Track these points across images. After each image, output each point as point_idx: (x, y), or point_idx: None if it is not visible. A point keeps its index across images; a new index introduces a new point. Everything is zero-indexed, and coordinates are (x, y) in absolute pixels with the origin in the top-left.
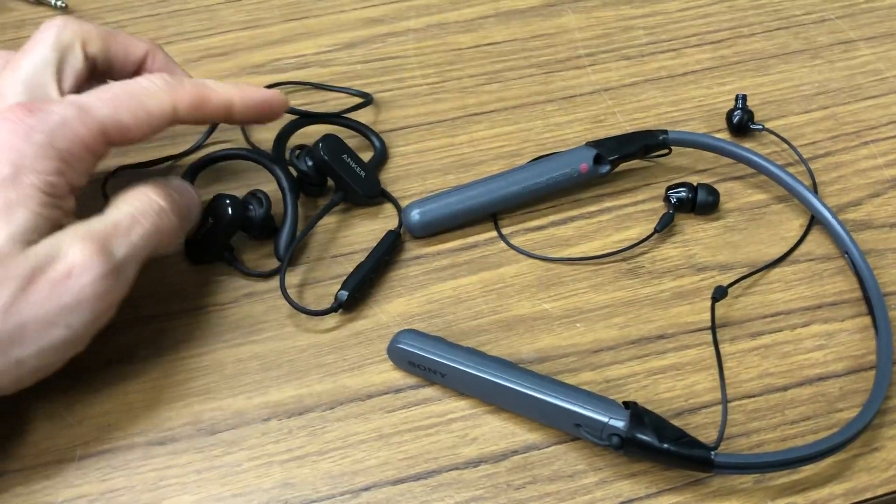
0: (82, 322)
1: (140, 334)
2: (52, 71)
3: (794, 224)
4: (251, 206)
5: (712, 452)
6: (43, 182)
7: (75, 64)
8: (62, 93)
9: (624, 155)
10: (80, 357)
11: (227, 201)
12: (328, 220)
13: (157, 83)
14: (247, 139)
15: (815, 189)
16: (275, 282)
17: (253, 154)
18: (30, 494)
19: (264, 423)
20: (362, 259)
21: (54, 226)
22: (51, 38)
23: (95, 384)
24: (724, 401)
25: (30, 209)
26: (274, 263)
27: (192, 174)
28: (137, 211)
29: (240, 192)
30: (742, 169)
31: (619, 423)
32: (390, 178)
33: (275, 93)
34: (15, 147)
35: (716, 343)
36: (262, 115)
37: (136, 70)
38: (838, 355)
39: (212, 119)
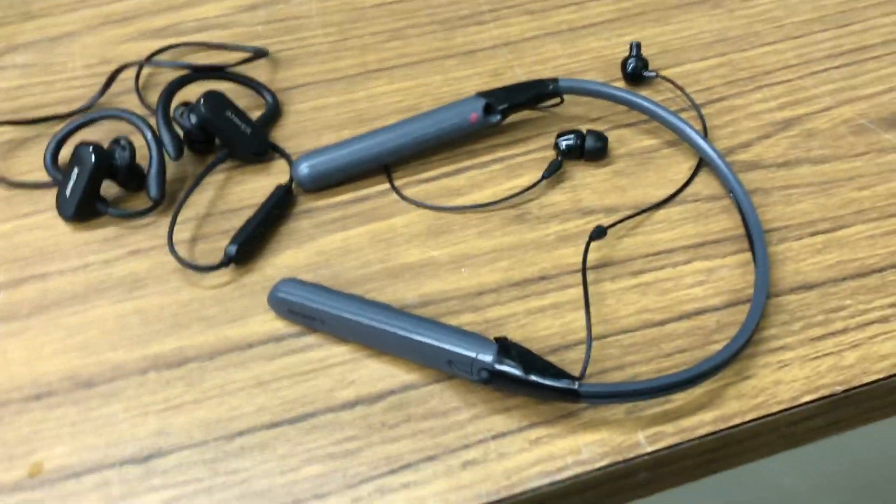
0: None
1: (22, 295)
2: None
3: (682, 167)
4: (115, 153)
5: (577, 382)
6: None
7: None
8: None
9: (514, 104)
10: None
11: (90, 148)
12: (216, 178)
13: None
14: (141, 99)
15: (705, 133)
16: (158, 239)
17: (113, 112)
18: None
19: (143, 375)
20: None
21: None
22: None
23: None
24: (588, 328)
25: None
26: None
27: (61, 141)
28: None
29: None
30: (634, 116)
31: (487, 358)
32: (285, 135)
33: None
34: None
35: (584, 275)
36: None
37: None
38: (717, 290)
39: None
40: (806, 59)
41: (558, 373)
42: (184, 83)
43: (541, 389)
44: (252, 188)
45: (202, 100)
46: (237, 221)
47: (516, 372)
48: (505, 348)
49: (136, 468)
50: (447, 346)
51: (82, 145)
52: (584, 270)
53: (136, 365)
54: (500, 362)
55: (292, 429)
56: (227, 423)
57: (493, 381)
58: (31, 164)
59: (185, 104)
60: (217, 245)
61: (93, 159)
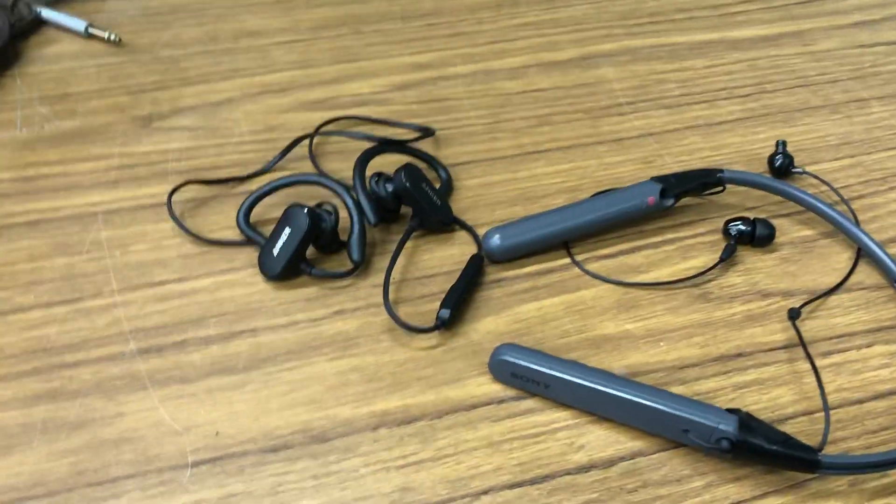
0: None
1: (235, 348)
2: None
3: (842, 257)
4: (322, 216)
5: (819, 453)
6: None
7: None
8: None
9: (685, 190)
10: (176, 368)
11: (305, 210)
12: (406, 245)
13: None
14: (316, 167)
15: (857, 226)
16: (360, 300)
17: (313, 178)
18: (146, 500)
19: (374, 431)
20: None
21: None
22: None
23: (197, 394)
24: (825, 404)
25: None
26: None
27: (255, 201)
28: None
29: None
30: (788, 207)
31: (729, 428)
32: (460, 208)
33: None
34: None
35: (807, 351)
36: None
37: None
38: None
39: None
40: None
41: (799, 444)
42: (374, 154)
43: (782, 459)
44: (440, 256)
45: (403, 172)
46: (431, 287)
47: (761, 443)
48: (745, 419)
49: None
50: (687, 415)
51: (296, 207)
52: (804, 346)
53: (366, 421)
54: (744, 433)
55: (534, 489)
56: (469, 481)
57: (734, 450)
58: (216, 223)
59: (379, 174)
60: (416, 309)
61: (307, 221)
